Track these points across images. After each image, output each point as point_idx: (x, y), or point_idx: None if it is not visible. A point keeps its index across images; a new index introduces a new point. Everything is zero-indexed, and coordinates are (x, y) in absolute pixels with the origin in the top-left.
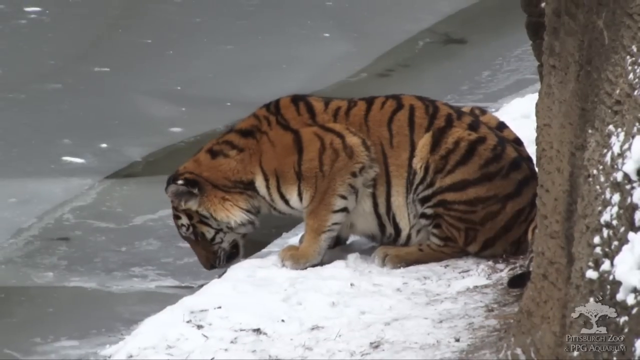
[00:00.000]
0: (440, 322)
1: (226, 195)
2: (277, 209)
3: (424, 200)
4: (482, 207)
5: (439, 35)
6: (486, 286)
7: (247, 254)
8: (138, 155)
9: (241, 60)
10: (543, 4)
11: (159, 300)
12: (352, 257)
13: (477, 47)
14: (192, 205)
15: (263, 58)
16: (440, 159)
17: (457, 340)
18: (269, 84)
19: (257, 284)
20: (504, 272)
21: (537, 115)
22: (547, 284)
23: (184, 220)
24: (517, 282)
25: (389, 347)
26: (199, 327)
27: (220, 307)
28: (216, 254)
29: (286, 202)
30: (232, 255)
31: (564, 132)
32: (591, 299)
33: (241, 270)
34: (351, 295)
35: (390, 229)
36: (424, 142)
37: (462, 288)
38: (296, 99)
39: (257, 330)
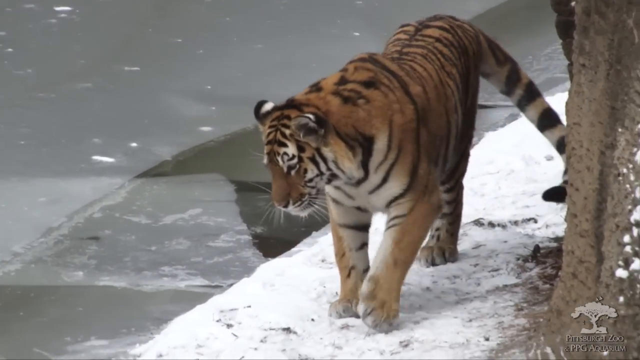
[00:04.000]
0: (470, 321)
1: (348, 145)
2: (355, 183)
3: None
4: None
5: None
6: (516, 285)
7: (276, 253)
8: (168, 154)
9: (271, 60)
10: (573, 3)
11: (189, 300)
12: None
13: (507, 46)
14: (311, 141)
15: (293, 57)
16: None
17: (487, 339)
18: (299, 82)
19: (286, 283)
20: (534, 272)
21: (567, 114)
22: (577, 282)
23: (292, 149)
24: (553, 195)
25: (418, 346)
26: (229, 326)
27: (249, 306)
28: (302, 196)
29: (383, 181)
30: (308, 206)
31: (594, 131)
32: (621, 298)
33: (271, 269)
34: None
35: None
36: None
37: (492, 287)
38: (382, 59)
39: (287, 329)
